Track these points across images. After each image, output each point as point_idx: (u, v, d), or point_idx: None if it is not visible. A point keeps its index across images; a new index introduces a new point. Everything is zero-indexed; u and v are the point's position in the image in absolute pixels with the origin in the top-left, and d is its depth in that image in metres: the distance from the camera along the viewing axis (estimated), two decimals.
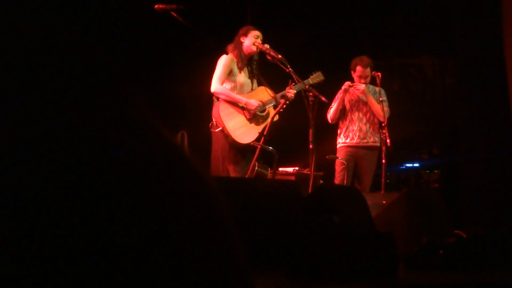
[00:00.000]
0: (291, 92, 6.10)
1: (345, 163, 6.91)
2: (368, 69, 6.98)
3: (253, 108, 6.02)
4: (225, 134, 5.89)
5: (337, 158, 7.00)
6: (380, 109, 6.87)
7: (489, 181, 7.56)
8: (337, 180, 6.92)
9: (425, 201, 4.87)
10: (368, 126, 6.97)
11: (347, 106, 7.08)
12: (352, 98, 7.05)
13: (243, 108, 6.02)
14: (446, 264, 3.54)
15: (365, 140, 6.95)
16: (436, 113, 10.11)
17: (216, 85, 5.96)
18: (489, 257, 3.62)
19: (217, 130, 5.90)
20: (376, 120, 6.96)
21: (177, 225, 0.55)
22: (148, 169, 0.56)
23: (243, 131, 5.98)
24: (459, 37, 8.07)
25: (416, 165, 9.79)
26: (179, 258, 0.53)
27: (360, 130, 6.98)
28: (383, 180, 6.79)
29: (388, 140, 6.72)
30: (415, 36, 9.84)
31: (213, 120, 5.96)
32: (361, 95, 6.97)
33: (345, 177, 6.88)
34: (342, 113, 7.10)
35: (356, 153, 6.97)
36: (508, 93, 7.48)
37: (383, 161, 6.75)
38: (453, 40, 8.30)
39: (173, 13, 5.56)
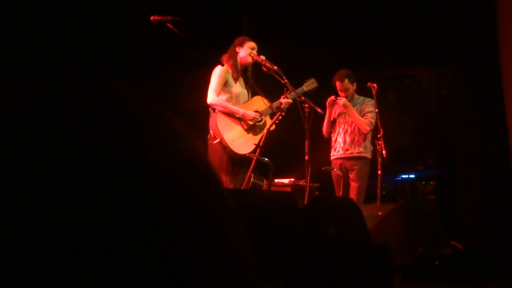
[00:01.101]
0: (286, 101, 6.09)
1: (341, 174, 6.92)
2: (346, 81, 6.99)
3: (250, 118, 6.01)
4: (223, 145, 5.86)
5: (333, 169, 7.00)
6: (361, 121, 6.90)
7: (485, 192, 7.55)
8: (338, 193, 6.91)
9: (420, 212, 4.87)
10: (352, 137, 6.97)
11: (336, 119, 7.11)
12: (341, 111, 7.08)
13: (240, 119, 6.00)
14: (442, 275, 3.53)
15: (349, 151, 6.95)
16: (432, 124, 10.12)
17: (212, 96, 5.94)
18: (485, 268, 3.62)
19: (215, 142, 5.87)
20: (361, 131, 6.96)
21: (192, 223, 0.55)
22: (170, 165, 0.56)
23: (241, 142, 5.96)
24: (454, 48, 8.08)
25: (412, 176, 9.79)
26: (189, 255, 0.54)
27: (345, 141, 6.99)
28: (378, 191, 6.79)
29: (384, 151, 6.72)
30: (411, 47, 9.86)
31: (211, 132, 5.93)
32: (343, 109, 7.00)
33: (341, 189, 6.89)
34: (333, 126, 7.14)
35: (344, 164, 6.97)
36: (504, 103, 7.49)
37: (379, 172, 6.75)
38: (448, 51, 8.32)
39: (168, 25, 5.57)
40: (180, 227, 0.54)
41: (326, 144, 7.34)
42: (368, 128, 6.88)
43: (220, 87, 5.97)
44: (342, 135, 7.02)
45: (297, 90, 6.13)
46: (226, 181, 5.93)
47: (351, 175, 6.91)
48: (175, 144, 0.60)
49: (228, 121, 5.95)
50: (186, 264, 0.53)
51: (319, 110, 6.09)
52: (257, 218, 3.31)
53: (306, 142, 6.00)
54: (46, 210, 0.49)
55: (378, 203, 6.72)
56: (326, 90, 7.00)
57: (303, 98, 6.09)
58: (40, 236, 0.48)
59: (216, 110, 5.98)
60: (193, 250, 0.54)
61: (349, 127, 7.00)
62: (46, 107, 0.55)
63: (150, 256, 0.51)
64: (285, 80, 6.01)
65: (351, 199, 5.93)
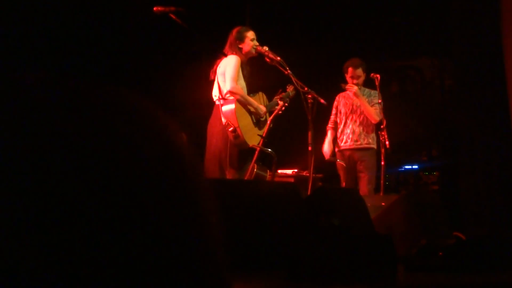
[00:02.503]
0: (283, 98, 6.14)
1: (344, 165, 6.93)
2: (360, 69, 7.02)
3: (262, 113, 6.05)
4: (236, 134, 5.82)
5: (336, 160, 7.01)
6: (372, 111, 6.91)
7: (488, 182, 7.56)
8: (344, 184, 6.92)
9: (424, 203, 4.86)
10: (361, 128, 6.99)
11: (343, 111, 7.12)
12: (347, 102, 7.09)
13: (250, 112, 6.02)
14: (445, 266, 3.53)
15: (359, 142, 6.97)
16: (435, 114, 10.11)
17: (233, 84, 5.89)
18: (489, 259, 3.62)
19: (230, 129, 5.82)
20: (370, 122, 6.99)
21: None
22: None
23: (251, 134, 5.98)
24: (457, 38, 8.07)
25: (415, 167, 9.77)
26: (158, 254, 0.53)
27: (353, 132, 7.01)
28: (382, 182, 6.79)
29: (387, 142, 6.73)
30: (414, 38, 9.84)
31: (224, 120, 5.87)
32: (353, 97, 7.01)
33: (344, 179, 6.90)
34: (339, 119, 7.15)
35: (353, 155, 6.98)
36: (507, 94, 7.48)
37: (382, 163, 6.76)
38: (451, 41, 8.30)
39: (172, 16, 5.56)
40: (146, 222, 0.53)
41: None
42: (378, 119, 6.91)
43: (237, 76, 5.95)
44: (351, 126, 7.03)
45: (282, 95, 6.17)
46: (232, 173, 5.92)
47: (361, 167, 6.93)
48: (143, 131, 0.59)
49: (243, 110, 5.96)
50: (153, 262, 0.52)
51: (322, 100, 6.09)
52: (260, 209, 3.32)
53: (309, 133, 6.00)
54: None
55: (381, 193, 6.72)
56: (327, 80, 6.98)
57: (306, 88, 6.09)
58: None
59: (226, 100, 5.95)
60: (159, 248, 0.53)
61: (358, 118, 7.02)
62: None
63: (117, 254, 0.50)
64: (288, 71, 6.01)
65: (355, 190, 5.93)
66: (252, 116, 6.04)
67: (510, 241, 3.98)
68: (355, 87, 6.95)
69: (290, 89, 6.33)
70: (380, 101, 6.90)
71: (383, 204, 5.11)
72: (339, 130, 7.13)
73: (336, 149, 7.13)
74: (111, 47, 7.16)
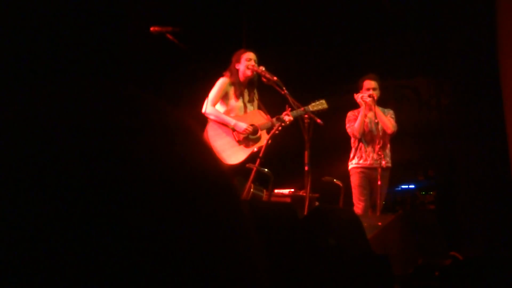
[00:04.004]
0: (287, 117, 6.10)
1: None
2: (375, 82, 7.04)
3: (241, 130, 6.06)
4: None
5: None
6: (387, 121, 6.94)
7: (485, 202, 7.55)
8: (358, 208, 6.88)
9: (420, 223, 4.87)
10: (379, 147, 6.99)
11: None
12: (365, 120, 7.11)
13: (232, 130, 6.06)
14: (442, 286, 3.53)
15: (378, 162, 6.95)
16: (432, 134, 10.12)
17: (207, 106, 6.06)
18: (485, 279, 3.62)
19: None
20: (387, 140, 7.01)
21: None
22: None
23: (230, 153, 6.03)
24: (454, 58, 8.09)
25: (412, 186, 9.78)
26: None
27: (373, 151, 7.01)
28: (378, 201, 6.79)
29: (383, 162, 6.75)
30: (410, 58, 9.87)
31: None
32: (367, 109, 7.03)
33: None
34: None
35: (370, 174, 6.98)
36: (504, 113, 7.50)
37: (379, 182, 6.75)
38: (448, 61, 8.33)
39: (168, 36, 5.58)
40: (196, 236, 0.54)
41: (326, 154, 7.34)
42: (393, 129, 6.94)
43: (218, 98, 6.09)
44: (370, 145, 7.04)
45: (301, 109, 6.13)
46: None
47: (376, 186, 6.91)
48: (195, 151, 0.60)
49: (219, 131, 6.06)
50: (199, 274, 0.53)
51: (318, 120, 6.09)
52: (257, 228, 3.31)
53: (306, 153, 6.00)
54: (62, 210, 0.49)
55: (378, 213, 6.72)
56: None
57: (303, 109, 6.10)
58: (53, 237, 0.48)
59: (209, 120, 6.10)
60: (206, 260, 0.54)
61: (377, 138, 7.02)
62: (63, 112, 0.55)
63: (162, 264, 0.51)
64: (285, 91, 6.02)
65: (351, 210, 5.93)
66: (235, 134, 6.09)
67: (506, 261, 3.98)
68: (370, 98, 6.95)
69: (317, 103, 6.33)
70: (376, 120, 6.91)
71: (379, 224, 5.11)
72: (358, 147, 7.12)
73: (351, 167, 7.12)
74: (107, 68, 7.17)
